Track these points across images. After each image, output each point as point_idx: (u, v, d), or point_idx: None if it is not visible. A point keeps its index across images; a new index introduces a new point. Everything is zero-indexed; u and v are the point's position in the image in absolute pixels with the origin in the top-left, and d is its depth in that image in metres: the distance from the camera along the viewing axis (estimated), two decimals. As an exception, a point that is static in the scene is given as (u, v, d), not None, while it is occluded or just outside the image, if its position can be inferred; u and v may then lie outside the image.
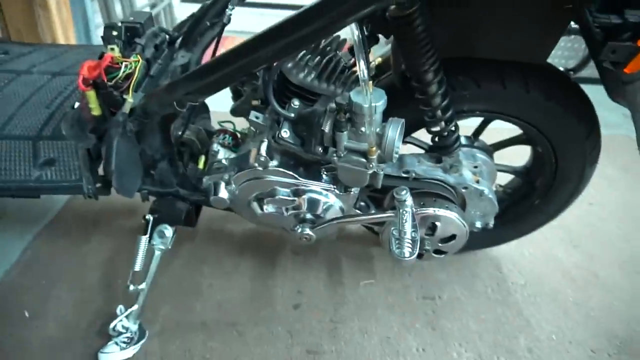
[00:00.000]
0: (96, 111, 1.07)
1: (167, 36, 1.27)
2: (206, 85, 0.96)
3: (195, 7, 1.27)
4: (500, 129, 1.20)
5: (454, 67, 1.01)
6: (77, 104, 1.22)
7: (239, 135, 1.22)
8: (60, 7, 2.17)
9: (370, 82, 0.88)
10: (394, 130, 0.93)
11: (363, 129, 0.93)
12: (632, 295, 1.37)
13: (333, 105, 0.95)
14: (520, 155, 1.30)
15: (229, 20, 1.20)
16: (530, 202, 1.27)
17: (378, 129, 0.93)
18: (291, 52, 0.97)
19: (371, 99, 0.88)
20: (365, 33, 0.96)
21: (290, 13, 0.83)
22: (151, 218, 1.17)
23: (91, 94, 1.05)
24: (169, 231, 1.17)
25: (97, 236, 1.52)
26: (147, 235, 1.16)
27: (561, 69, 1.10)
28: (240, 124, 1.19)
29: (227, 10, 1.20)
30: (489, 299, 1.36)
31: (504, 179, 1.34)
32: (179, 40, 1.28)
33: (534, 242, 1.46)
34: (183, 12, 3.10)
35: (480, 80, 1.03)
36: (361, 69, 0.85)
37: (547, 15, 0.91)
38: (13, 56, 1.60)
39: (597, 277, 1.42)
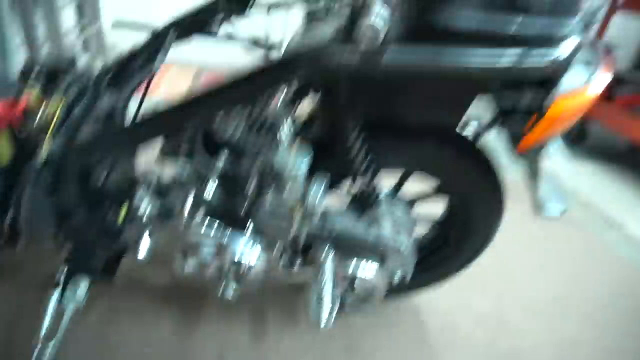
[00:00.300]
0: (6, 157, 1.01)
1: (92, 78, 1.23)
2: (131, 142, 0.95)
3: (126, 34, 1.23)
4: (420, 183, 1.28)
5: (377, 127, 1.07)
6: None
7: (165, 182, 1.19)
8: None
9: (296, 140, 0.92)
10: (317, 188, 0.97)
11: (287, 187, 0.96)
12: (534, 338, 1.48)
13: (259, 162, 0.98)
14: (439, 207, 1.39)
15: (157, 69, 1.20)
16: (445, 251, 1.36)
17: (302, 187, 0.97)
18: (220, 111, 0.99)
19: (294, 160, 0.91)
20: (296, 86, 1.01)
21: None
22: (64, 269, 1.11)
23: (1, 137, 0.99)
24: (84, 284, 1.11)
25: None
26: (59, 288, 1.09)
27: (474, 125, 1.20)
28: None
29: (157, 57, 1.20)
30: (407, 346, 1.41)
31: (424, 228, 1.42)
32: (105, 82, 1.24)
33: (450, 289, 1.54)
34: (114, 38, 3.01)
35: (400, 141, 1.11)
36: (284, 131, 0.89)
37: (457, 91, 1.01)
38: None
39: (504, 322, 1.53)
